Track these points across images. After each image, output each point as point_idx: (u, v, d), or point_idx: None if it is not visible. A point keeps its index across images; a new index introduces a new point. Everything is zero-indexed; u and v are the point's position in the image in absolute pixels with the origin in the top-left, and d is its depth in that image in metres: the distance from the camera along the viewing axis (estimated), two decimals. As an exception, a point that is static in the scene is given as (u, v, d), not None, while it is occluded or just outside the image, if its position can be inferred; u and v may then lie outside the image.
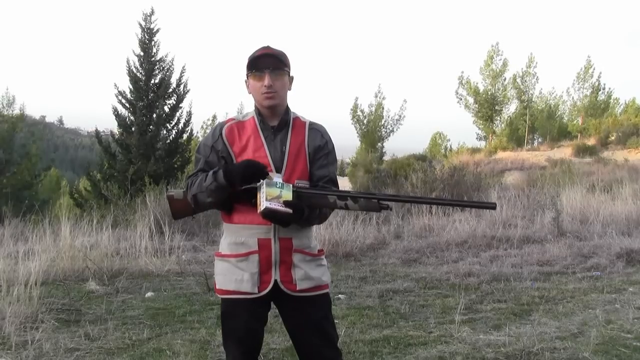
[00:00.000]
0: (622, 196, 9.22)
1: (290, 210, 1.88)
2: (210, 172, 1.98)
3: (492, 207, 1.97)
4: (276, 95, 2.03)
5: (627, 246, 6.29)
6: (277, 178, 1.95)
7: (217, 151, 2.06)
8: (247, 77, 2.07)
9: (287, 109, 2.11)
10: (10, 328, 3.66)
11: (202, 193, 1.99)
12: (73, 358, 3.33)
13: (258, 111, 2.08)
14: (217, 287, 2.11)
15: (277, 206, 1.86)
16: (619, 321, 3.97)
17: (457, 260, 6.20)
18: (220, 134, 2.06)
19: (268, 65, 2.01)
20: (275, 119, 2.07)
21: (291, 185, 1.92)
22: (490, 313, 4.26)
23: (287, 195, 1.89)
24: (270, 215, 1.89)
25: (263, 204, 1.87)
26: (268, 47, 2.06)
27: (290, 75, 2.10)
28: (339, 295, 4.81)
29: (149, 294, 4.87)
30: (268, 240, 2.01)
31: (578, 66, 35.69)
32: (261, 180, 1.90)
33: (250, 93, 2.09)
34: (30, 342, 3.47)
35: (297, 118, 2.13)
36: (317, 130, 2.12)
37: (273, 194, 1.87)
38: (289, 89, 2.10)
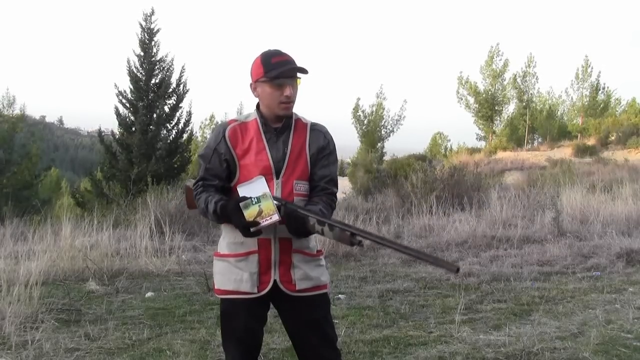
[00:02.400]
0: (622, 196, 9.21)
1: (277, 218, 1.87)
2: (212, 203, 1.97)
3: (454, 269, 1.67)
4: (292, 104, 2.03)
5: (627, 246, 6.28)
6: (258, 182, 1.94)
7: (219, 154, 2.04)
8: (258, 82, 2.02)
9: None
10: (10, 328, 3.66)
11: (205, 214, 2.03)
12: (73, 358, 3.33)
13: (260, 113, 2.07)
14: (216, 287, 2.11)
15: (262, 222, 1.87)
16: (619, 321, 3.97)
17: (457, 260, 6.20)
18: (224, 135, 2.05)
19: (289, 75, 1.99)
20: (279, 121, 2.06)
21: (267, 194, 1.89)
22: (490, 313, 4.26)
23: (268, 206, 1.87)
24: (258, 233, 1.90)
25: None
26: (283, 54, 2.02)
27: None
28: (339, 295, 4.81)
29: (149, 294, 4.88)
30: (268, 240, 2.01)
31: (579, 66, 35.51)
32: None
33: (257, 96, 2.05)
34: (30, 342, 3.47)
35: (298, 119, 2.11)
36: (318, 131, 2.11)
37: (253, 213, 1.87)
38: None
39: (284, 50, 2.04)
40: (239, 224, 1.90)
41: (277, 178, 2.01)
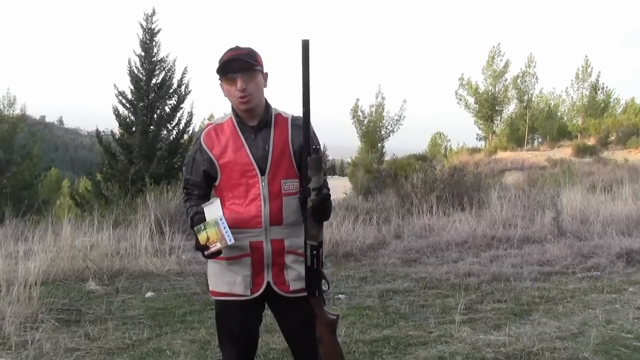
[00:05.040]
0: (622, 196, 9.22)
1: (219, 247, 1.90)
2: (189, 219, 2.04)
3: None
4: (251, 97, 1.98)
5: (627, 246, 6.29)
6: (213, 205, 1.96)
7: (198, 163, 2.07)
8: (220, 82, 2.03)
9: (267, 107, 2.06)
10: (10, 328, 3.66)
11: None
12: (73, 358, 3.33)
13: (236, 112, 2.05)
14: (211, 288, 2.13)
15: (210, 248, 1.91)
16: (619, 321, 3.97)
17: (457, 260, 6.20)
18: (200, 143, 2.06)
19: (238, 68, 1.95)
20: (255, 119, 2.03)
21: (212, 222, 1.90)
22: (490, 313, 4.26)
23: (212, 233, 1.90)
24: (215, 254, 1.94)
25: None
26: (236, 48, 1.99)
27: (264, 72, 2.04)
28: (339, 295, 4.81)
29: (149, 294, 4.87)
30: (260, 242, 2.00)
31: (576, 66, 35.61)
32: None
33: (226, 96, 2.05)
34: (30, 342, 3.47)
35: (278, 114, 2.08)
36: (300, 126, 2.05)
37: (203, 238, 1.92)
38: (265, 86, 2.04)
39: (243, 45, 2.02)
40: (196, 246, 1.97)
41: (263, 175, 1.99)
